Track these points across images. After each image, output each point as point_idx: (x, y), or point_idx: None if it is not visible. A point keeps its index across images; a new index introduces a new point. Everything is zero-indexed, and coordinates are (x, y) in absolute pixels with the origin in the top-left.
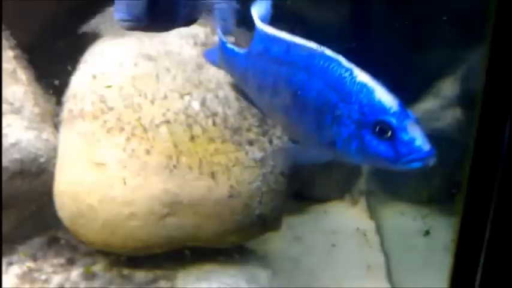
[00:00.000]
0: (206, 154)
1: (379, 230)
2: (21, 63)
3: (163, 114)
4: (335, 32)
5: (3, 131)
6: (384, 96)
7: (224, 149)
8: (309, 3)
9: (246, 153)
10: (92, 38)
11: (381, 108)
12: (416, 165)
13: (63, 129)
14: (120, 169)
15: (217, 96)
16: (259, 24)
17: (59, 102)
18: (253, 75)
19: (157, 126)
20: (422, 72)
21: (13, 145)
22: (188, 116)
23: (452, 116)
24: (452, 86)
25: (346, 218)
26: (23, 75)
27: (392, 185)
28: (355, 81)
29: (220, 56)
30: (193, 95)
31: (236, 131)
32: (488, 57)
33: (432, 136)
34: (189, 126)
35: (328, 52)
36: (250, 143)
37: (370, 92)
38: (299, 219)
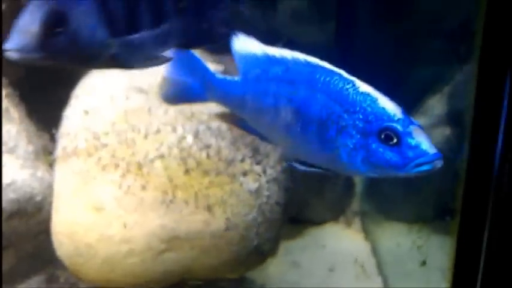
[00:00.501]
0: (201, 187)
1: (375, 252)
2: (13, 101)
3: (157, 149)
4: (321, 50)
5: None
6: (387, 104)
7: (219, 182)
8: (294, 22)
9: (241, 184)
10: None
11: (385, 115)
12: (425, 168)
13: (58, 167)
14: (117, 207)
15: (209, 128)
16: (239, 47)
17: (52, 138)
18: (252, 100)
19: (151, 161)
20: (409, 90)
21: (9, 185)
22: (182, 150)
23: (441, 134)
24: (440, 104)
25: (341, 241)
26: (15, 113)
27: (385, 204)
28: (357, 91)
29: (211, 90)
30: (186, 128)
31: (230, 162)
32: (476, 84)
33: None
34: (183, 159)
35: (329, 66)
36: (245, 174)
37: (373, 100)
38: (295, 243)
